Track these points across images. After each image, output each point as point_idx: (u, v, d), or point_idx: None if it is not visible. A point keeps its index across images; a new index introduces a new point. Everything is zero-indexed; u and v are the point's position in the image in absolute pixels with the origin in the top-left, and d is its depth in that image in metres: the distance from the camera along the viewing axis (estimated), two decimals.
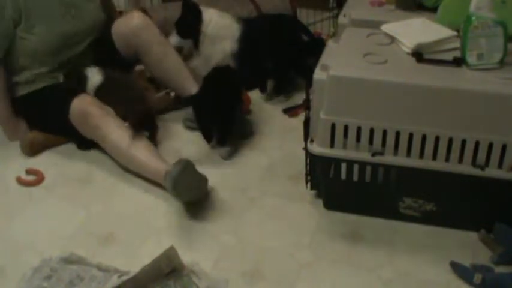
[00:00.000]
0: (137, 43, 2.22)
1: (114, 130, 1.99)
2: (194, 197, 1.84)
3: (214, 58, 2.46)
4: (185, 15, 2.44)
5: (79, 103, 2.02)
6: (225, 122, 2.09)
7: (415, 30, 1.72)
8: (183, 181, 1.74)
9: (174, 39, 2.46)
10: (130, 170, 2.00)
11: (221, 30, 2.45)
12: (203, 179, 1.87)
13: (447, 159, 1.59)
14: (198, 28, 2.43)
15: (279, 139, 2.20)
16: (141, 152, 1.95)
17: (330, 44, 1.86)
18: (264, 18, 2.65)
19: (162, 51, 2.22)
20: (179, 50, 2.42)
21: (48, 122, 2.15)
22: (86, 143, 2.11)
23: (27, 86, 2.17)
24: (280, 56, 2.41)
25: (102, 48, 2.29)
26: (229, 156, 2.09)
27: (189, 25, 2.44)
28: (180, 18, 2.45)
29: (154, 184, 1.94)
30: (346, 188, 1.74)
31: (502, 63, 1.56)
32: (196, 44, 2.47)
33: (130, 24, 2.22)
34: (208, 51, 2.47)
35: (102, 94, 2.11)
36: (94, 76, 2.16)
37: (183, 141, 2.21)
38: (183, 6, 2.44)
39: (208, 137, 2.10)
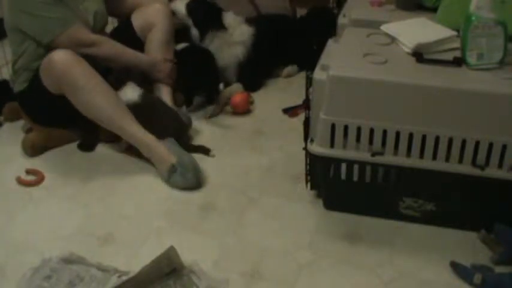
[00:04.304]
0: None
1: (100, 94, 1.95)
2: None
3: (226, 55, 2.51)
4: (207, 15, 2.49)
5: (62, 55, 1.94)
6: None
7: (415, 30, 1.72)
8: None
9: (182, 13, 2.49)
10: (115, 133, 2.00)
11: (238, 37, 2.51)
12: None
13: (447, 159, 1.59)
14: (212, 30, 2.48)
15: (279, 139, 2.20)
16: (128, 122, 1.97)
17: (330, 44, 1.86)
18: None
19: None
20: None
21: (48, 111, 2.10)
22: (88, 143, 2.10)
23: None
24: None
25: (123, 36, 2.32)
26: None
27: (207, 24, 2.49)
28: (201, 12, 2.49)
29: (155, 184, 1.95)
30: (346, 188, 1.74)
31: (502, 63, 1.56)
32: (202, 38, 2.49)
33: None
34: (221, 53, 2.51)
35: (138, 113, 2.04)
36: (132, 92, 2.11)
37: None
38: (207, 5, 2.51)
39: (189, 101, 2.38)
